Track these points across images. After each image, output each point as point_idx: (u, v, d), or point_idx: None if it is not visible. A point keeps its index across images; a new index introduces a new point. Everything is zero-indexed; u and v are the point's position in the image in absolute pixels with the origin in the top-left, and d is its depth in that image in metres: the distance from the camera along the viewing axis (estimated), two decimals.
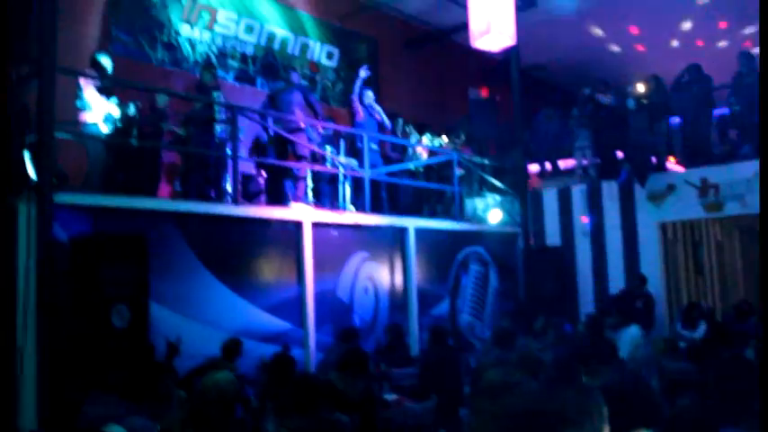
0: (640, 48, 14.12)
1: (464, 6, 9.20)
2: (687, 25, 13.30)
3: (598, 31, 13.66)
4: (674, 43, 13.88)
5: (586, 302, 10.23)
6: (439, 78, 13.53)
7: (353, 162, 9.46)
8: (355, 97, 9.88)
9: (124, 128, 7.28)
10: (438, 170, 11.12)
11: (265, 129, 8.95)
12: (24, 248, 5.32)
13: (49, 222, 5.37)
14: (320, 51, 11.83)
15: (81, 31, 8.44)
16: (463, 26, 9.58)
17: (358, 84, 9.84)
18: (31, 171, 5.70)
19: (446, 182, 10.54)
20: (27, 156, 5.74)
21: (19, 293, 5.20)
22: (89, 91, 7.03)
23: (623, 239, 10.25)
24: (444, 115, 13.01)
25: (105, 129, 7.07)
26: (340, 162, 9.35)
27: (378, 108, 10.06)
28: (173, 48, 9.61)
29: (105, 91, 7.17)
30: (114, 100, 7.22)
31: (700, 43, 13.67)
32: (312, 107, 9.17)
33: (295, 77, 9.23)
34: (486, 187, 11.12)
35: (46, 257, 5.25)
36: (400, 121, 11.01)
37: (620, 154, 10.83)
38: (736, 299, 9.30)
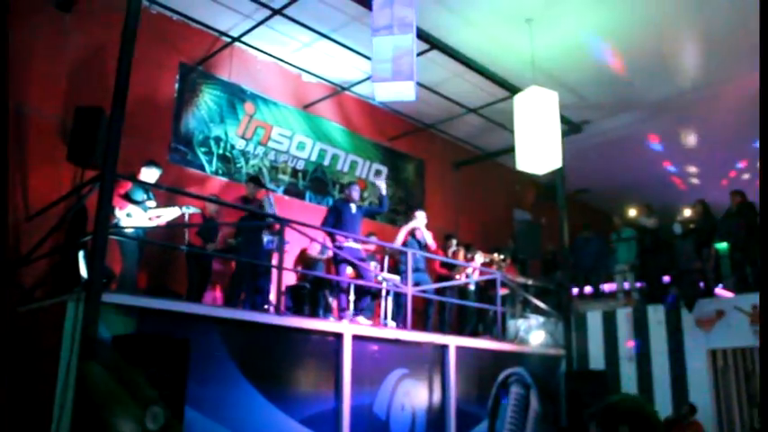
0: (685, 174, 14.23)
1: (511, 131, 9.41)
2: (731, 154, 13.43)
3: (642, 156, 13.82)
4: (720, 173, 13.96)
5: None
6: (485, 199, 13.73)
7: (396, 278, 9.52)
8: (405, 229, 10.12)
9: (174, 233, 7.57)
10: (482, 290, 11.12)
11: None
12: (68, 344, 5.43)
13: (95, 321, 5.48)
14: (369, 169, 12.17)
15: (144, 141, 8.88)
16: (510, 149, 9.80)
17: (409, 226, 10.10)
18: (83, 270, 5.91)
19: (489, 301, 10.50)
20: (81, 256, 5.96)
21: (58, 387, 5.27)
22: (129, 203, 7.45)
23: (670, 365, 9.92)
24: (489, 235, 13.12)
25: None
26: (383, 278, 9.44)
27: (426, 232, 10.21)
28: (227, 160, 10.02)
29: (142, 200, 7.57)
30: (152, 203, 7.59)
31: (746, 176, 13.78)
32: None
33: (354, 193, 9.37)
34: (529, 308, 11.02)
35: (88, 355, 5.32)
36: (453, 240, 11.13)
37: (666, 278, 10.67)
38: None
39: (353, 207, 9.14)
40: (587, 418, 2.20)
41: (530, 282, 11.21)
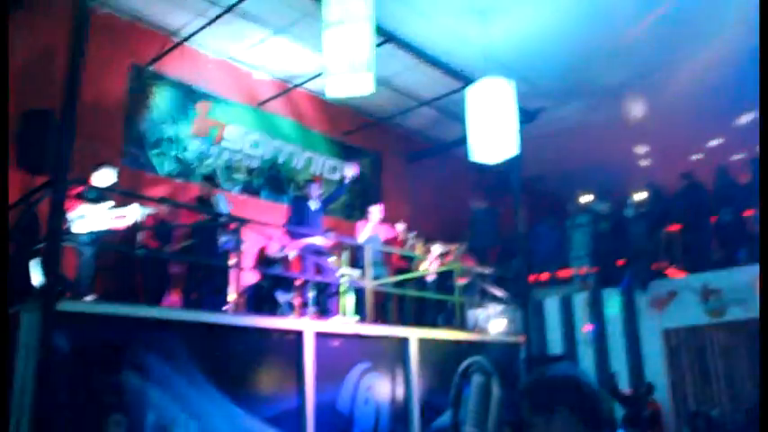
0: (637, 159, 14.51)
1: (463, 122, 9.48)
2: (681, 138, 13.72)
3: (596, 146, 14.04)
4: (670, 155, 14.25)
5: None
6: (441, 190, 13.80)
7: (356, 272, 9.53)
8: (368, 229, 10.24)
9: (130, 235, 7.45)
10: (441, 281, 11.19)
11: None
12: (23, 357, 5.33)
13: (51, 330, 5.39)
14: (324, 164, 12.16)
15: (95, 145, 8.70)
16: (463, 140, 9.89)
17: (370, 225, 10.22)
18: (36, 278, 5.80)
19: (448, 292, 10.60)
20: (34, 263, 5.85)
21: (14, 403, 5.16)
22: (83, 204, 7.28)
23: (627, 347, 10.17)
24: (446, 226, 13.20)
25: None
26: (343, 272, 9.45)
27: (379, 228, 10.33)
28: (181, 161, 9.91)
29: (97, 201, 7.42)
30: (108, 206, 7.45)
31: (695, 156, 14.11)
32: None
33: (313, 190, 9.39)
34: (487, 297, 11.15)
35: (45, 366, 5.24)
36: (411, 233, 11.18)
37: (620, 262, 10.90)
38: (744, 405, 9.10)
39: (313, 204, 9.19)
40: (519, 396, 2.04)
41: (487, 271, 11.31)
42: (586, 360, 10.43)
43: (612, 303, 10.44)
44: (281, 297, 8.88)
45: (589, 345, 10.48)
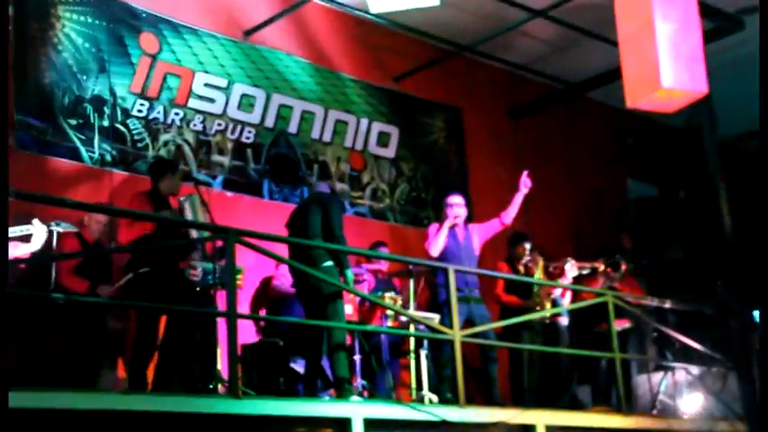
0: None
1: (611, 43, 9.21)
2: None
3: None
4: None
5: None
6: (570, 165, 13.60)
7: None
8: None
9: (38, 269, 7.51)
10: (582, 325, 11.04)
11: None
12: None
13: None
14: (367, 133, 12.12)
15: None
16: (608, 76, 9.61)
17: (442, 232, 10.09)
18: None
19: (598, 345, 10.41)
20: None
21: None
22: None
23: None
24: (583, 227, 12.97)
25: None
26: (410, 318, 9.27)
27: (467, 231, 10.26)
28: (120, 137, 9.84)
29: None
30: None
31: None
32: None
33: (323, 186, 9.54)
34: (671, 351, 10.85)
35: None
36: (526, 244, 10.93)
37: None
38: None
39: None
40: None
41: (667, 304, 10.99)
42: None
43: None
44: (301, 366, 8.93)
45: None
